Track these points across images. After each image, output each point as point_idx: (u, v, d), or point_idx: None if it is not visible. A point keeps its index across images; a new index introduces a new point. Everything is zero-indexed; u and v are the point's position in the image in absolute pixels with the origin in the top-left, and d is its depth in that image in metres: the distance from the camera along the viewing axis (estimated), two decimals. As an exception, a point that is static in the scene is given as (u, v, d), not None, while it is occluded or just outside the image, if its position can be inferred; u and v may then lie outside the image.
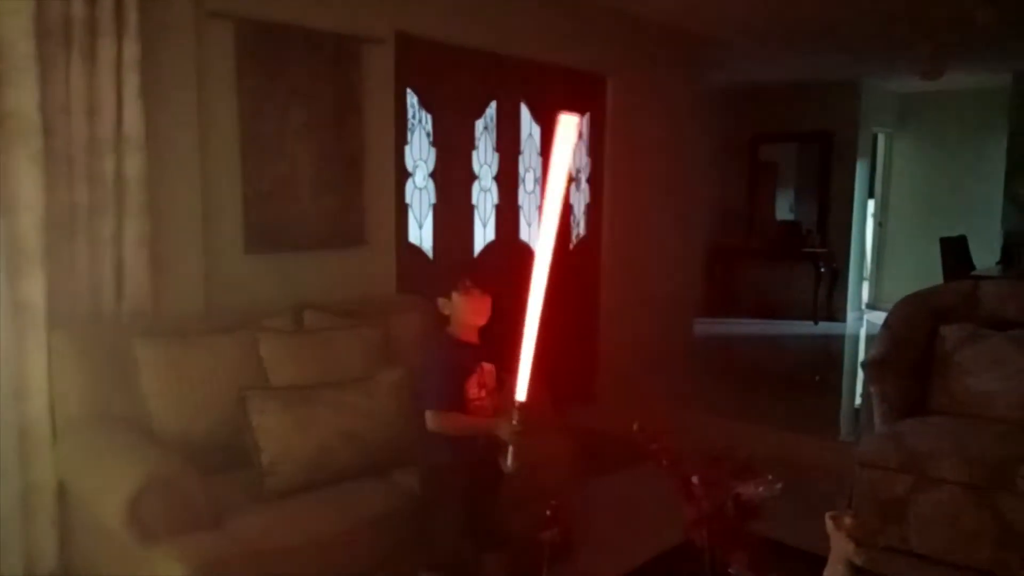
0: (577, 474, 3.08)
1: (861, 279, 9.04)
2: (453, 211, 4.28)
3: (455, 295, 2.53)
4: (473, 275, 2.60)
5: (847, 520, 1.87)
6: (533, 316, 1.87)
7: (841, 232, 8.39)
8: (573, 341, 5.03)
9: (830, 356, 7.46)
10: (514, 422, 2.13)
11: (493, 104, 4.42)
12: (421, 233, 4.13)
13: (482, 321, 2.55)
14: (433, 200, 4.16)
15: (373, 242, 3.71)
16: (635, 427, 1.75)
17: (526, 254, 4.71)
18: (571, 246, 5.08)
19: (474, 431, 2.42)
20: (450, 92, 4.16)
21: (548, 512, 1.97)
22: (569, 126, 1.75)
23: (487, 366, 2.53)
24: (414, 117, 4.01)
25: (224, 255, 3.22)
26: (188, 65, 3.03)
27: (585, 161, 5.10)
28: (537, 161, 4.75)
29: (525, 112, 4.63)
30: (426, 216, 4.14)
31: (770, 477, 1.96)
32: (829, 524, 1.89)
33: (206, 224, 3.14)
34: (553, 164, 1.77)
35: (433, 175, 4.14)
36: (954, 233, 7.23)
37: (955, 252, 6.91)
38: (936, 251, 8.73)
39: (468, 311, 2.51)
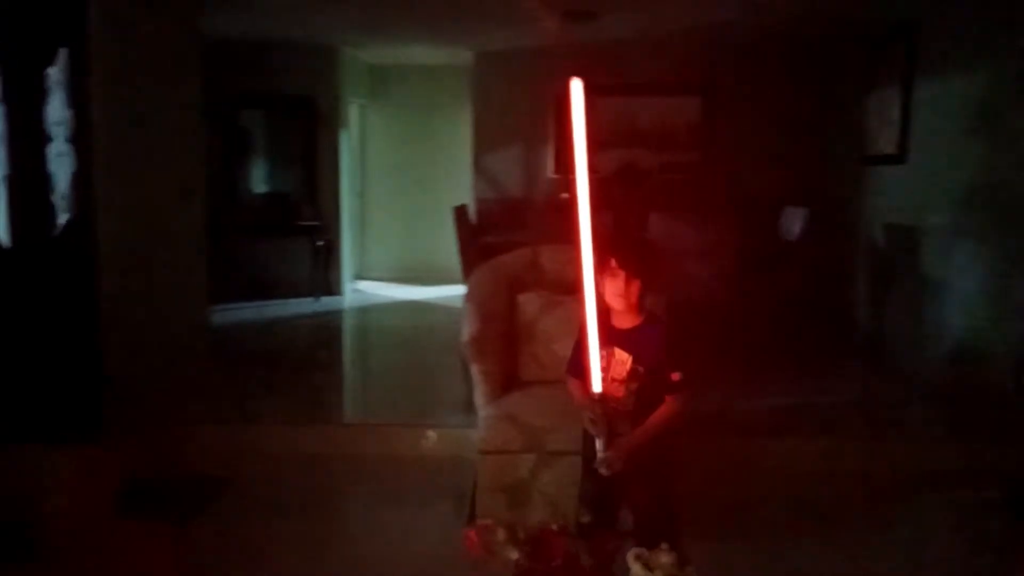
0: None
1: (356, 251, 9.00)
2: None
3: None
4: (622, 253, 2.51)
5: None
6: (590, 304, 1.89)
7: (332, 204, 8.17)
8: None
9: (341, 333, 7.24)
10: (589, 415, 2.23)
11: None
12: None
13: (617, 305, 2.54)
14: None
15: None
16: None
17: None
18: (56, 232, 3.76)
19: (577, 404, 2.55)
20: None
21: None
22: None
23: (619, 353, 2.52)
24: None
25: None
26: None
27: None
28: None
29: None
30: None
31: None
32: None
33: None
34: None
35: None
36: (445, 203, 7.52)
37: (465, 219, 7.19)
38: (419, 219, 9.18)
39: (602, 291, 2.51)
